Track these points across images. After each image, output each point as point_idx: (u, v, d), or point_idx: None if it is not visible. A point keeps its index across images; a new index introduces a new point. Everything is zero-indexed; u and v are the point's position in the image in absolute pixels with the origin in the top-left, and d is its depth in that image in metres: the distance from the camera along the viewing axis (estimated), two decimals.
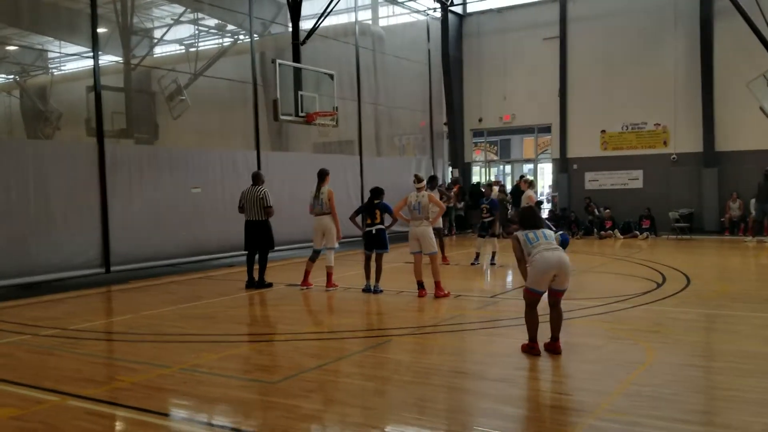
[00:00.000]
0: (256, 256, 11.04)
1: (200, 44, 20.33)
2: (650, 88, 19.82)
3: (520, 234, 6.39)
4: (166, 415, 5.02)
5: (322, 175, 10.66)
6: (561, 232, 6.81)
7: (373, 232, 10.16)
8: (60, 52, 19.89)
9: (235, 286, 11.30)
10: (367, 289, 10.17)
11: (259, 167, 15.19)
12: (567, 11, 21.27)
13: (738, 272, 12.45)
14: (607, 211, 19.52)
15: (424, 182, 10.17)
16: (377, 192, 10.34)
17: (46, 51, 20.16)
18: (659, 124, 19.98)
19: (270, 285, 11.00)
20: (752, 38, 16.49)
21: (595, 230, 19.34)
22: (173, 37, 20.50)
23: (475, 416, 4.84)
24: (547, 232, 6.44)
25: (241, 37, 19.68)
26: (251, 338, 7.66)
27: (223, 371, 6.02)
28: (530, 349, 6.29)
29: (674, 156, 19.72)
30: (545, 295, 6.33)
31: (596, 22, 20.79)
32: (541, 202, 12.57)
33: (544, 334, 6.37)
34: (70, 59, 19.99)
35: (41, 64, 20.68)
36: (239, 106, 16.46)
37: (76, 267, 11.55)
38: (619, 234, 19.00)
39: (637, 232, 18.89)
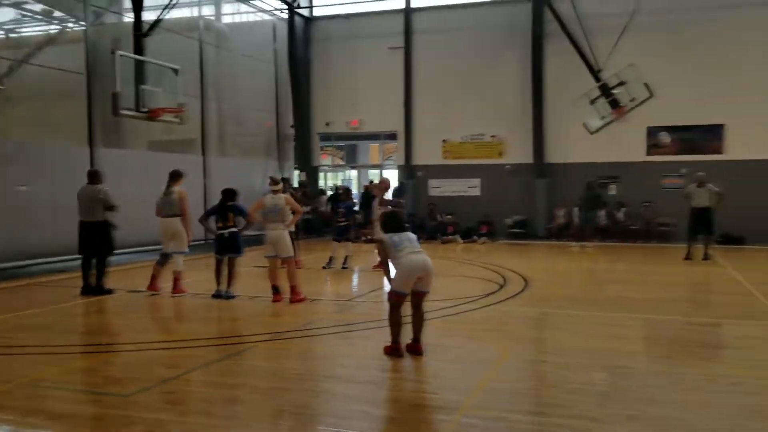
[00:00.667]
0: (93, 260, 10.16)
1: (24, 30, 18.52)
2: (488, 101, 20.99)
3: (385, 237, 6.45)
4: None
5: (174, 176, 10.11)
6: None
7: (226, 235, 9.80)
8: None
9: (70, 293, 10.37)
10: (217, 295, 9.78)
11: (92, 164, 14.14)
12: (411, 23, 21.98)
13: (568, 275, 13.50)
14: (449, 216, 20.40)
15: (281, 184, 9.97)
16: (230, 193, 9.98)
17: None
18: (495, 136, 21.23)
19: (110, 291, 10.14)
20: (578, 60, 18.10)
21: (439, 235, 20.13)
22: None
23: (346, 419, 4.79)
24: (411, 235, 6.57)
25: (71, 24, 18.21)
26: (96, 349, 7.05)
27: (70, 385, 5.49)
28: (394, 351, 6.36)
29: (509, 166, 21.05)
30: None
31: (439, 36, 21.68)
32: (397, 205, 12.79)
33: (405, 336, 6.47)
34: None
35: None
36: (71, 99, 15.19)
37: None
38: (460, 239, 19.91)
39: (477, 237, 19.92)
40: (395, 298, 6.36)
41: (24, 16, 18.49)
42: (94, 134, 14.66)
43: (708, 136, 19.17)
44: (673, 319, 8.44)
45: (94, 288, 10.06)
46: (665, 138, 19.57)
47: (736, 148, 18.82)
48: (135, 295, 10.13)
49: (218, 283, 9.87)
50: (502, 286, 10.97)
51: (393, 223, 6.63)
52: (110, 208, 10.00)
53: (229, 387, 5.52)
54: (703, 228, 14.40)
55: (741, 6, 18.67)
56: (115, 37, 17.60)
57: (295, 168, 23.56)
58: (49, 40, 17.73)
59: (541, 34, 20.20)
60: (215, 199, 18.35)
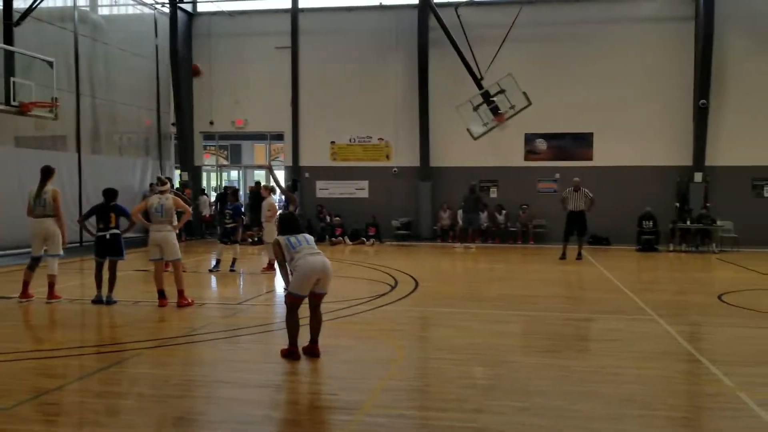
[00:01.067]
0: None
1: None
2: (375, 104, 21.26)
3: (281, 238, 6.38)
4: None
5: (47, 173, 9.45)
6: None
7: (107, 237, 9.29)
8: None
9: None
10: (98, 300, 9.26)
11: None
12: (298, 23, 21.85)
13: (454, 275, 13.93)
14: (338, 218, 20.44)
15: (168, 184, 9.59)
16: (111, 193, 9.49)
17: None
18: (382, 139, 21.53)
19: None
20: (462, 67, 18.69)
21: (327, 236, 20.11)
22: None
23: (247, 424, 4.68)
24: (308, 236, 6.54)
25: None
26: None
27: None
28: (290, 354, 6.29)
29: (395, 169, 21.40)
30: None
31: (327, 37, 21.71)
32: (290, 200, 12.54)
33: (301, 338, 6.43)
34: None
35: None
36: None
37: None
38: (348, 240, 20.00)
39: (364, 239, 20.08)
40: (293, 300, 6.30)
41: None
42: None
43: (579, 144, 20.45)
44: (552, 315, 8.91)
45: None
46: (541, 144, 20.66)
47: (603, 155, 20.19)
48: (5, 302, 9.38)
49: (98, 287, 9.35)
50: (393, 287, 11.13)
51: (289, 224, 6.57)
52: None
53: (116, 396, 5.24)
54: (577, 229, 15.39)
55: (612, 21, 20.10)
56: None
57: (176, 168, 22.74)
58: None
59: (426, 41, 20.70)
60: (90, 198, 17.54)
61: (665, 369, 6.17)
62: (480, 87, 18.52)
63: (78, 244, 17.00)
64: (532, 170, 20.60)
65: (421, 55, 20.70)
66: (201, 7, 22.82)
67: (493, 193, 20.91)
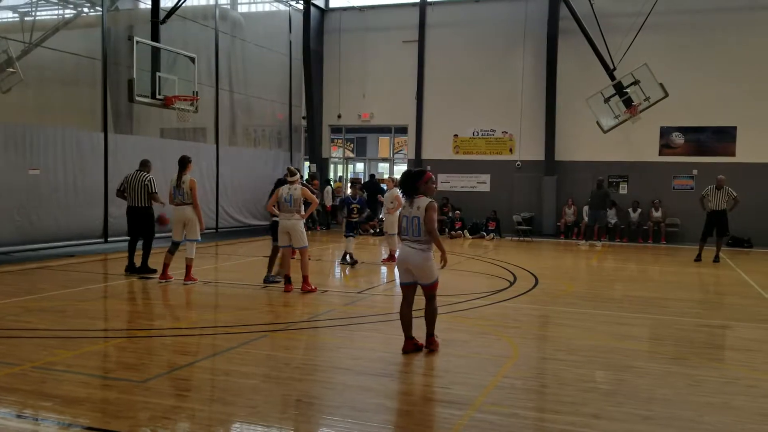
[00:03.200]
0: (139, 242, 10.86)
1: (39, 14, 18.53)
2: (500, 97, 20.95)
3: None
4: (22, 417, 4.49)
5: (184, 163, 10.12)
6: None
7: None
8: None
9: (80, 277, 10.45)
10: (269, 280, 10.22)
11: (106, 149, 14.19)
12: (426, 16, 21.91)
13: (578, 273, 13.48)
14: (458, 212, 20.37)
15: (298, 175, 9.92)
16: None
17: None
18: (506, 132, 21.18)
19: (154, 270, 10.68)
20: (592, 57, 18.01)
21: (446, 230, 20.11)
22: (6, 4, 18.49)
23: (361, 411, 4.80)
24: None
25: (86, 9, 18.21)
26: (110, 334, 7.09)
27: (83, 369, 5.51)
28: (406, 346, 6.37)
29: (519, 163, 21.00)
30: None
31: (453, 30, 21.62)
32: None
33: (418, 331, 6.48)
34: None
35: None
36: (86, 84, 15.20)
37: None
38: (467, 234, 19.90)
39: (484, 233, 19.89)
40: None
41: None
42: (107, 120, 14.69)
43: (720, 138, 19.10)
44: (683, 320, 8.42)
45: (139, 267, 10.78)
46: (678, 138, 19.50)
47: (748, 151, 18.73)
48: (148, 282, 10.17)
49: (270, 269, 10.31)
50: (512, 283, 10.97)
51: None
52: (151, 194, 10.73)
53: (242, 375, 5.53)
54: (717, 230, 14.39)
55: (757, 8, 18.55)
56: (131, 24, 17.62)
57: (306, 159, 23.57)
58: (65, 25, 17.77)
59: (555, 32, 20.11)
60: (227, 188, 18.58)
61: None
62: (612, 78, 17.77)
63: (214, 230, 18.10)
64: (666, 166, 19.49)
65: (550, 46, 20.14)
66: (333, 3, 23.47)
67: (623, 189, 20.00)
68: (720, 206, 14.32)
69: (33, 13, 18.50)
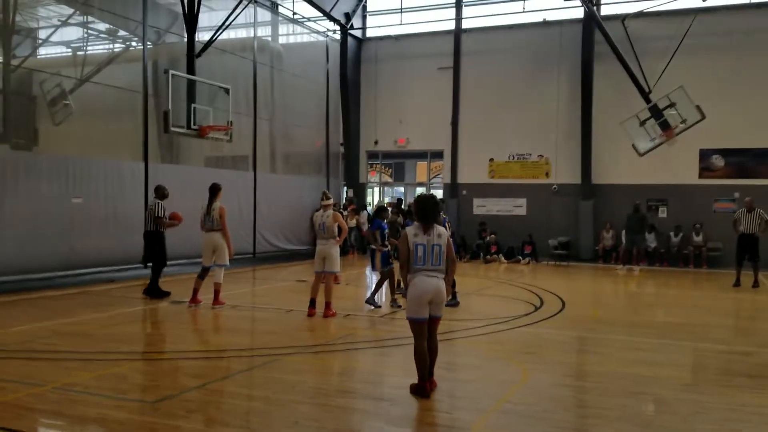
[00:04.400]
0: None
1: (89, 49, 19.47)
2: (535, 121, 20.91)
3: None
4: None
5: (214, 191, 10.47)
6: None
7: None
8: None
9: (116, 302, 10.84)
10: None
11: (146, 179, 14.72)
12: (461, 44, 22.11)
13: (608, 298, 13.30)
14: (493, 235, 20.31)
15: (330, 200, 10.04)
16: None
17: None
18: (542, 156, 21.09)
19: (167, 293, 11.19)
20: (627, 81, 17.87)
21: (481, 254, 20.05)
22: (59, 39, 19.50)
23: None
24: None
25: (134, 44, 19.05)
26: (130, 357, 7.35)
27: (99, 390, 5.76)
28: (419, 390, 5.86)
29: (555, 186, 20.86)
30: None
31: (488, 56, 21.74)
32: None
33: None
34: None
35: None
36: (128, 116, 15.85)
37: None
38: (503, 258, 19.80)
39: (520, 257, 19.76)
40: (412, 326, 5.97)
41: (89, 35, 19.46)
42: (148, 150, 15.26)
43: (762, 160, 18.61)
44: (707, 346, 8.25)
45: (146, 290, 11.28)
46: (718, 161, 19.09)
47: None
48: (177, 306, 10.49)
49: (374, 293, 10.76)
50: (537, 308, 10.91)
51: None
52: (156, 219, 11.08)
53: (245, 398, 5.70)
54: (749, 254, 14.00)
55: None
56: (173, 57, 18.34)
57: (344, 185, 23.90)
58: (110, 59, 18.62)
59: (590, 56, 20.03)
60: (264, 213, 18.97)
61: None
62: (648, 101, 17.57)
63: (251, 255, 18.49)
64: (707, 188, 19.06)
65: (585, 70, 20.05)
66: (369, 33, 23.94)
67: (662, 213, 19.63)
68: (751, 229, 13.93)
69: (84, 49, 19.46)
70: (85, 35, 19.37)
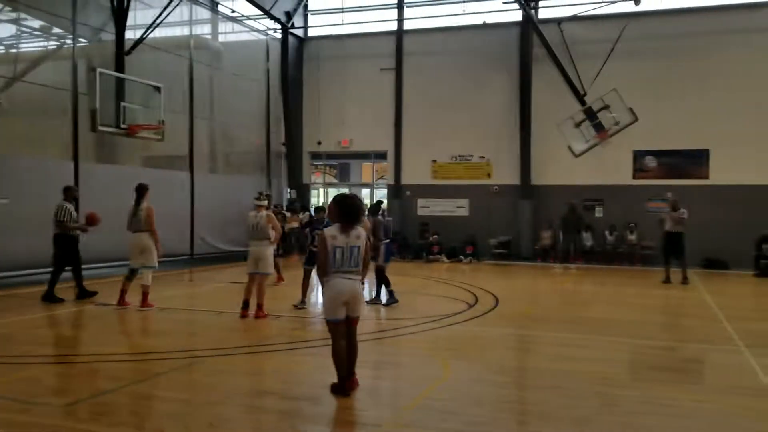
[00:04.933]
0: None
1: (21, 46, 18.83)
2: (476, 123, 21.16)
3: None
4: None
5: (141, 191, 10.25)
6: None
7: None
8: None
9: (41, 304, 10.50)
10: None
11: (77, 179, 14.33)
12: (403, 45, 22.22)
13: (544, 296, 13.54)
14: (435, 236, 20.47)
15: (266, 202, 9.94)
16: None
17: None
18: (483, 157, 21.37)
19: (93, 294, 11.00)
20: (564, 84, 18.28)
21: (424, 254, 20.19)
22: None
23: None
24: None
25: (68, 41, 18.52)
26: (49, 360, 7.14)
27: (7, 394, 5.57)
28: (339, 389, 5.86)
29: (496, 187, 21.15)
30: None
31: (429, 58, 21.91)
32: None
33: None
34: None
35: None
36: (57, 114, 15.38)
37: None
38: (445, 258, 19.98)
39: (462, 257, 19.98)
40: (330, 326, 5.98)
41: (22, 32, 18.82)
42: (81, 150, 14.85)
43: (693, 161, 19.27)
44: (627, 341, 8.48)
45: (44, 296, 10.76)
46: (651, 162, 19.67)
47: (720, 173, 18.89)
48: (104, 309, 10.22)
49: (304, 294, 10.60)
50: (471, 306, 11.03)
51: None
52: (59, 224, 10.73)
53: (161, 400, 5.60)
54: (674, 252, 14.50)
55: (725, 32, 18.85)
56: (103, 55, 17.88)
57: (287, 186, 23.70)
58: (43, 57, 18.04)
59: (528, 58, 20.40)
60: (205, 213, 18.67)
61: (727, 404, 5.72)
62: (583, 103, 18.01)
63: (189, 257, 18.17)
64: (640, 189, 19.62)
65: (523, 73, 20.42)
66: (311, 32, 23.83)
67: (599, 213, 20.12)
68: (675, 228, 14.43)
69: (16, 46, 18.81)
70: (18, 33, 18.75)
